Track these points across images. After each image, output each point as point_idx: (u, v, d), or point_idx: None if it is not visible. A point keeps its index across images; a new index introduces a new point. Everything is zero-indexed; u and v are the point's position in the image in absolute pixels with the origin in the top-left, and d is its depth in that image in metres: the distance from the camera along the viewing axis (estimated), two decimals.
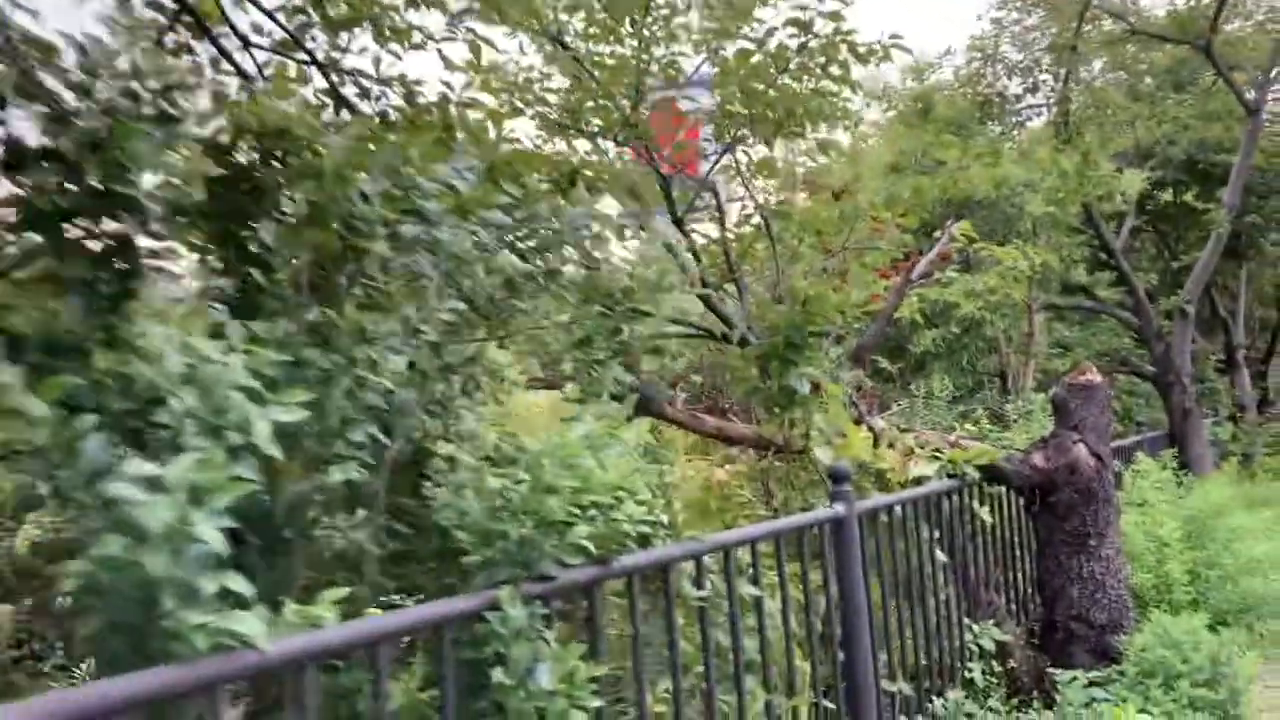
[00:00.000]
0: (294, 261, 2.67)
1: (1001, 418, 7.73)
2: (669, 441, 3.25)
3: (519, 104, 5.06)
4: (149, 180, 2.17)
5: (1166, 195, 16.51)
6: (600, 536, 2.82)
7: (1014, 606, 6.20)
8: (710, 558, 3.47)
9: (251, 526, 2.39)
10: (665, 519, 3.28)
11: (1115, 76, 16.14)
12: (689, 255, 6.09)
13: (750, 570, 3.77)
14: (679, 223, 5.97)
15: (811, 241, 6.93)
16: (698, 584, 3.31)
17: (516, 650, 2.45)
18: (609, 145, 5.64)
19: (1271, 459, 17.56)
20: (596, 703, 2.54)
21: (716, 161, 5.82)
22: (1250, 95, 12.21)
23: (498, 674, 2.41)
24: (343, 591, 2.11)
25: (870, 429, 5.19)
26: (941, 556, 5.32)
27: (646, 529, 3.16)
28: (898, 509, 4.92)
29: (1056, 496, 5.88)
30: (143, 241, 2.64)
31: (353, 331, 2.44)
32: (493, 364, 3.38)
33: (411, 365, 2.73)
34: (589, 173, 3.33)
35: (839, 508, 4.21)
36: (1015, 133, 11.49)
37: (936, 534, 5.40)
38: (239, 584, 1.95)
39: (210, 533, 1.87)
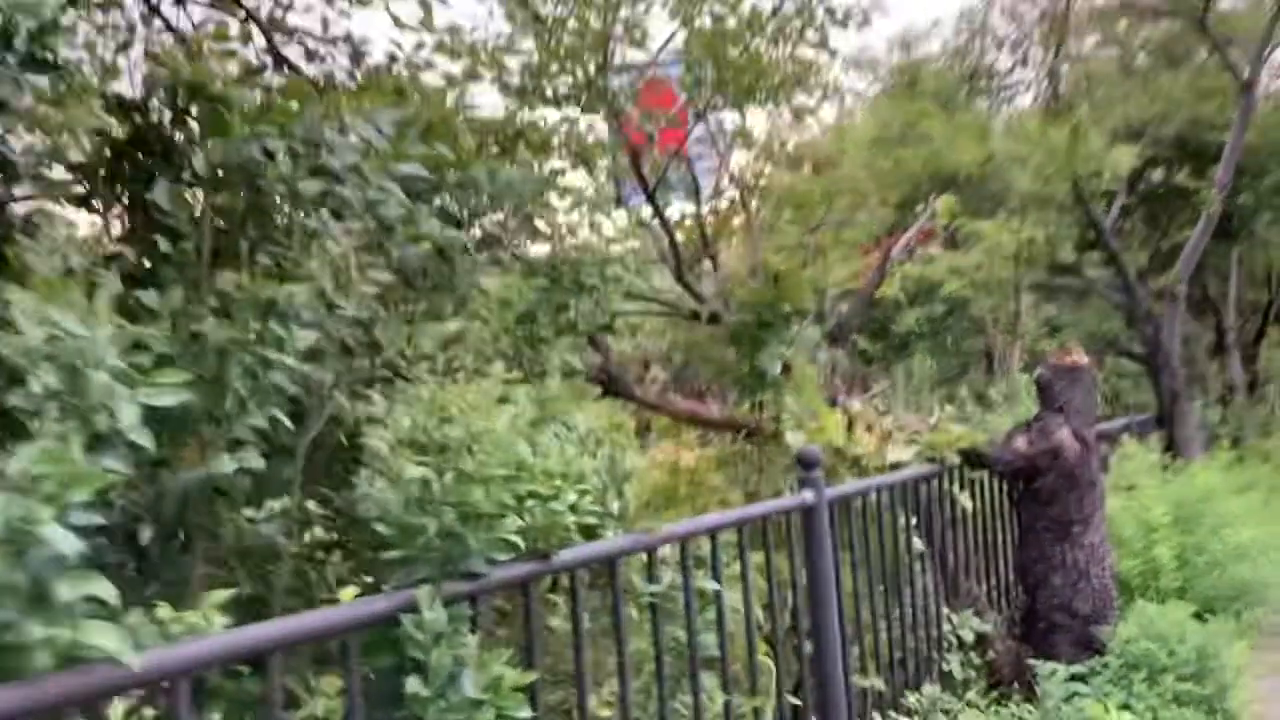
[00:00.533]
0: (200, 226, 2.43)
1: (986, 400, 7.52)
2: (621, 425, 3.01)
3: (480, 69, 4.80)
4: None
5: (1158, 174, 16.27)
6: (538, 529, 2.59)
7: (995, 596, 6.00)
8: (668, 549, 3.25)
9: (138, 522, 2.15)
10: (616, 508, 3.06)
11: (1108, 53, 15.85)
12: (662, 230, 5.86)
13: (713, 562, 3.56)
14: (651, 196, 5.72)
15: (792, 217, 6.70)
16: (650, 578, 3.09)
17: (436, 657, 2.22)
18: (575, 114, 5.38)
19: (1261, 442, 17.41)
20: (526, 713, 2.31)
21: (689, 132, 5.56)
22: (1245, 71, 11.94)
23: (413, 683, 2.18)
24: (226, 594, 1.88)
25: (845, 412, 4.96)
26: (919, 544, 5.11)
27: (593, 520, 2.94)
28: (872, 495, 4.71)
29: (1040, 482, 5.68)
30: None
31: (255, 303, 2.19)
32: (441, 341, 3.15)
33: (331, 341, 2.49)
34: (535, 136, 3.09)
35: (808, 494, 3.99)
36: (1004, 107, 11.26)
37: (914, 521, 5.19)
38: (103, 589, 1.72)
39: (59, 533, 1.63)
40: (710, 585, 3.32)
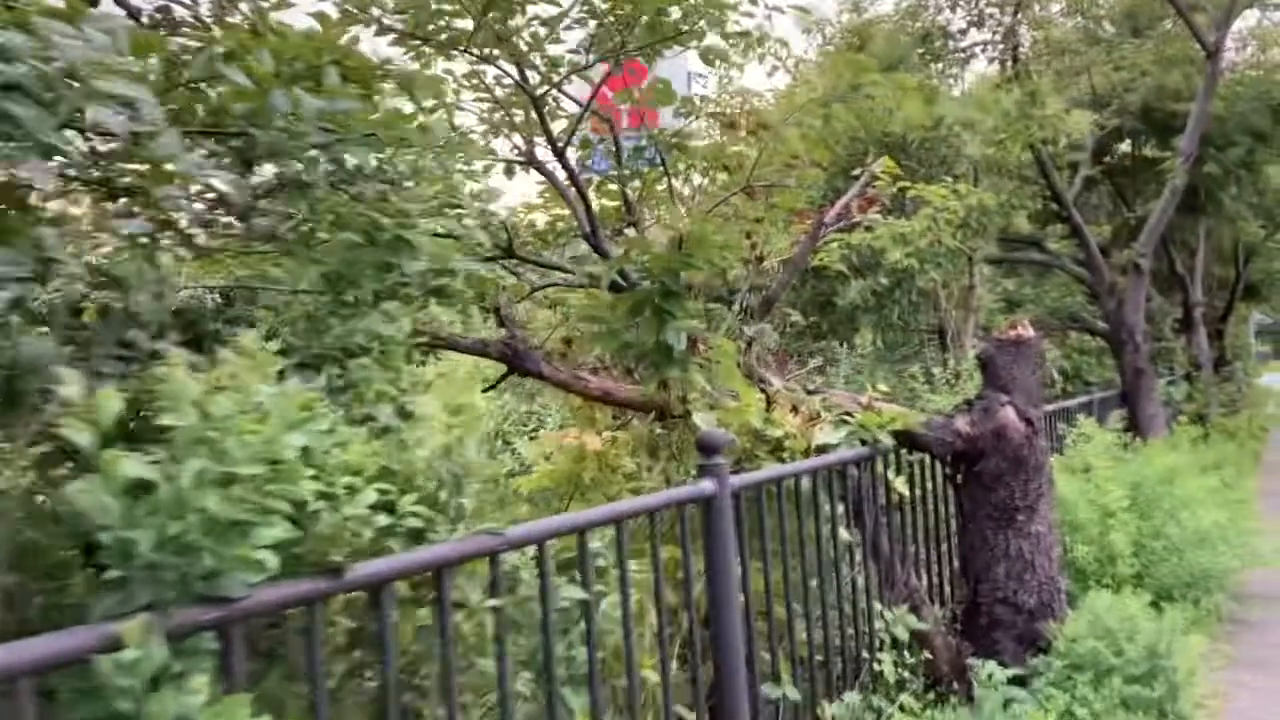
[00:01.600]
0: None
1: (932, 378, 7.10)
2: (463, 407, 2.53)
3: (352, 9, 4.28)
4: None
5: (1124, 147, 15.92)
6: (323, 538, 2.11)
7: (936, 588, 5.58)
8: (531, 551, 2.78)
9: None
10: (456, 507, 2.58)
11: (1073, 23, 15.44)
12: (576, 193, 5.37)
13: (581, 566, 3.10)
14: (561, 155, 5.22)
15: (725, 181, 6.23)
16: (495, 588, 2.62)
17: (154, 706, 1.74)
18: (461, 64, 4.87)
19: (1225, 419, 17.17)
20: None
21: (601, 83, 5.06)
22: (1210, 37, 11.54)
23: None
24: None
25: (763, 391, 4.50)
26: (846, 535, 4.67)
27: (418, 523, 2.46)
28: (790, 482, 4.26)
29: (982, 465, 5.24)
30: None
31: None
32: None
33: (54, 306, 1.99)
34: (357, 64, 2.58)
35: (707, 484, 3.53)
36: (957, 70, 10.76)
37: (842, 509, 4.76)
38: None
39: None
40: (575, 595, 2.85)
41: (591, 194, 5.90)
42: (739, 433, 4.46)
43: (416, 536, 2.47)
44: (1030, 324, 5.37)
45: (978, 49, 10.61)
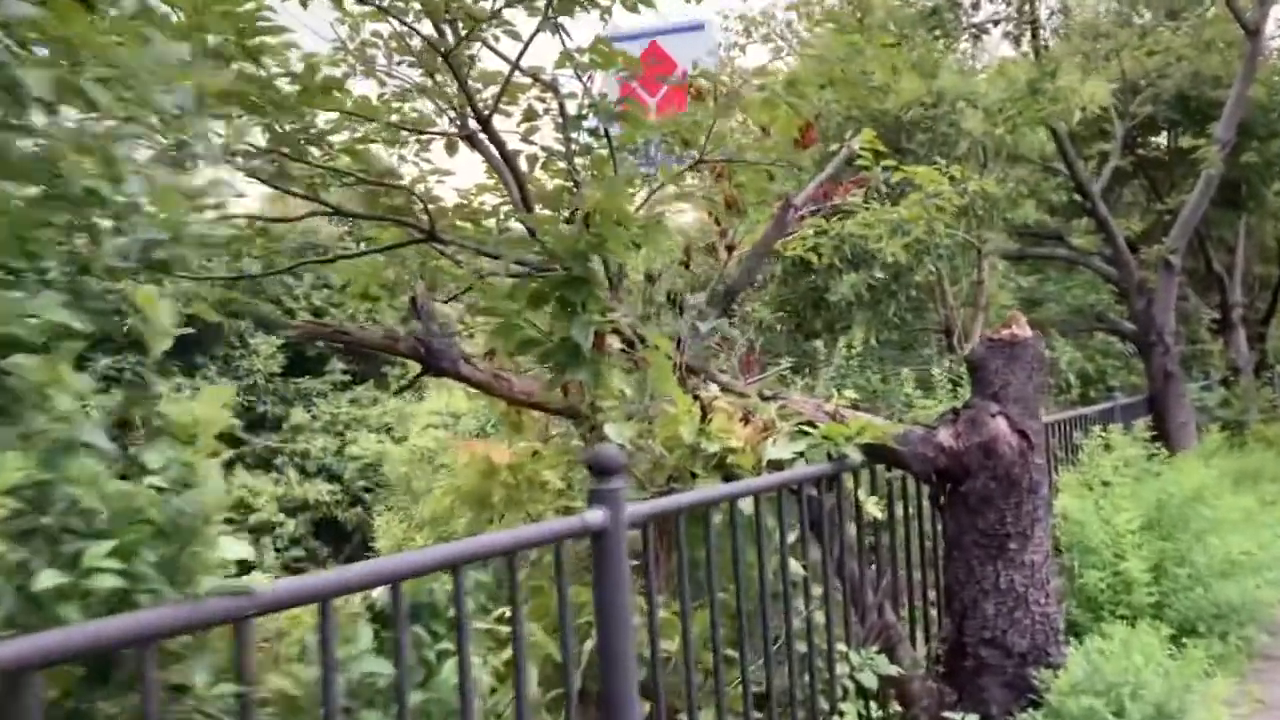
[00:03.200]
0: None
1: (929, 383, 6.39)
2: (197, 422, 1.88)
3: None
4: None
5: (1158, 139, 15.03)
6: None
7: (915, 625, 4.88)
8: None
9: None
10: (192, 555, 1.93)
11: (1106, 5, 14.58)
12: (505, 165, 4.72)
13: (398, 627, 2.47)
14: (486, 123, 4.57)
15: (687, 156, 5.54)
16: (241, 665, 1.97)
17: None
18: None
19: (1265, 425, 16.21)
20: None
21: (528, 44, 4.41)
22: (1250, 15, 10.68)
23: None
24: None
25: (697, 397, 3.82)
26: (797, 568, 3.99)
27: (114, 581, 1.82)
28: (730, 506, 3.57)
29: (968, 485, 4.53)
30: None
31: None
32: None
33: None
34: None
35: (595, 514, 2.86)
36: (968, 46, 9.96)
37: (797, 536, 4.08)
38: None
39: None
40: (375, 669, 2.20)
41: (541, 173, 5.26)
42: (671, 447, 3.79)
43: (118, 599, 1.83)
44: (1028, 321, 4.65)
45: (990, 25, 9.83)
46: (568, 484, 4.19)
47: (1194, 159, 11.11)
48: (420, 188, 5.19)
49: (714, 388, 3.84)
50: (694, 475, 3.90)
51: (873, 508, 4.42)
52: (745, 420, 4.24)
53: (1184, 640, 6.18)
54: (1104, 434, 7.73)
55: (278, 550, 17.31)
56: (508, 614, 2.81)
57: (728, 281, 4.98)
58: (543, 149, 5.26)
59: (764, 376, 4.96)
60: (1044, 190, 11.92)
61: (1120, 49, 12.10)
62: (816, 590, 4.24)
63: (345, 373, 20.30)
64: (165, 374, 18.74)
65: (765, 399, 4.43)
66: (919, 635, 5.00)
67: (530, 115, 5.29)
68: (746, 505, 3.81)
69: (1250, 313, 19.39)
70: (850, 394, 4.41)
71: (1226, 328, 16.70)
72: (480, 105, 4.55)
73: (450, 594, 2.50)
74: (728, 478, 4.03)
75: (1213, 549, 6.50)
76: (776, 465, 4.14)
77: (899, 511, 4.90)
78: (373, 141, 4.78)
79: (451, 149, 5.29)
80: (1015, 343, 4.62)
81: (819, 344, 7.40)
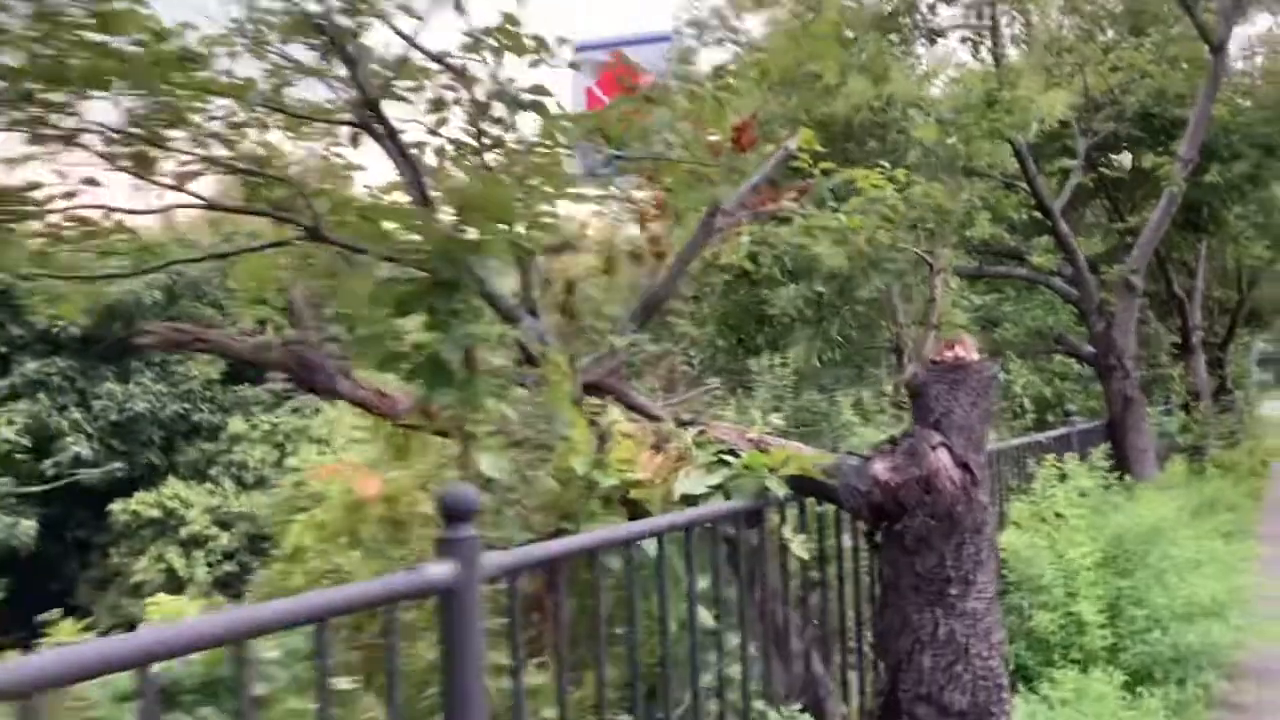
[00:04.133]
0: None
1: (875, 406, 5.95)
2: None
3: None
4: None
5: (1120, 158, 14.77)
6: None
7: (848, 679, 4.43)
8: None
9: None
10: None
11: (1071, 21, 14.30)
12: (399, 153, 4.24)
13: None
14: (374, 107, 4.09)
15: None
16: None
17: None
18: None
19: (1224, 452, 15.97)
20: None
21: (427, 15, 3.94)
22: (1215, 32, 10.40)
23: None
24: None
25: (594, 423, 3.33)
26: (708, 617, 3.51)
27: None
28: (625, 550, 3.09)
29: (905, 523, 4.06)
30: None
31: None
32: None
33: None
34: None
35: (441, 569, 2.37)
36: (923, 51, 9.56)
37: (707, 583, 3.60)
38: None
39: None
40: None
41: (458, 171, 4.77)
42: (565, 480, 3.31)
43: None
44: (983, 342, 4.22)
45: (948, 30, 9.45)
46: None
47: (1157, 177, 10.80)
48: (330, 183, 4.69)
49: (615, 412, 3.35)
50: (593, 515, 3.41)
51: (799, 547, 3.95)
52: (657, 449, 3.77)
53: (1139, 688, 5.78)
54: (1058, 463, 7.33)
55: (209, 565, 16.62)
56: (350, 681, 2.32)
57: (651, 294, 4.52)
58: (450, 141, 4.78)
59: (688, 397, 4.49)
60: (1004, 207, 11.56)
61: (1083, 64, 11.80)
62: (736, 640, 3.78)
63: (288, 380, 19.58)
64: (97, 379, 18.01)
65: (682, 424, 3.96)
66: (857, 686, 4.54)
67: (439, 105, 4.81)
68: (653, 547, 3.35)
69: (1210, 336, 19.24)
70: (777, 419, 3.93)
71: (1186, 352, 16.49)
72: (371, 90, 4.05)
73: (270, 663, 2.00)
74: (635, 515, 3.56)
75: (1172, 589, 6.10)
76: (691, 500, 3.68)
77: (835, 549, 4.44)
78: (257, 128, 4.28)
79: (356, 140, 4.80)
80: (960, 366, 4.18)
81: (760, 362, 6.94)
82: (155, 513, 16.98)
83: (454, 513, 2.43)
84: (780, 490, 3.85)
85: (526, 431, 3.37)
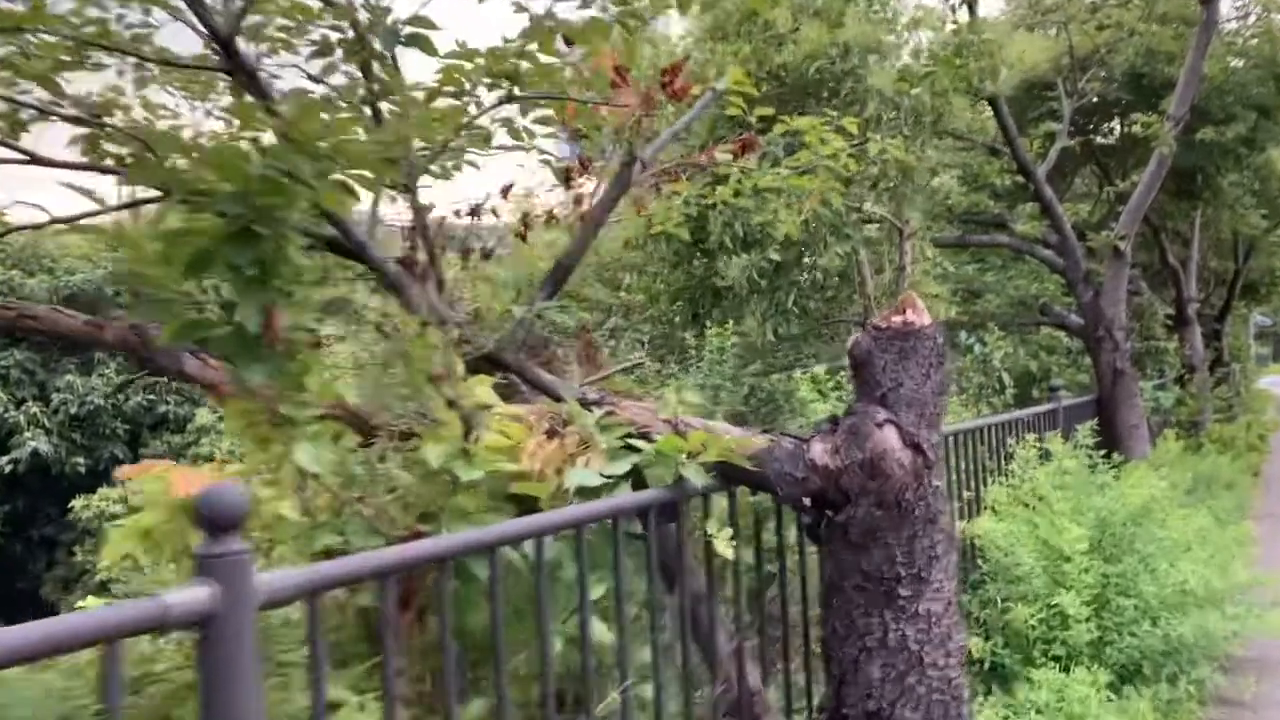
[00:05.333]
0: None
1: (819, 380, 5.41)
2: None
3: None
4: None
5: (1110, 124, 14.23)
6: None
7: (792, 693, 3.90)
8: None
9: None
10: None
11: None
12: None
13: None
14: (224, 44, 3.54)
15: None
16: None
17: None
18: None
19: (1221, 426, 15.46)
20: None
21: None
22: None
23: None
24: None
25: (457, 408, 2.78)
26: (601, 631, 2.98)
27: None
28: (493, 555, 2.55)
29: (848, 513, 3.53)
30: None
31: None
32: None
33: None
34: None
35: (197, 593, 1.83)
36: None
37: (606, 589, 3.07)
38: None
39: None
40: None
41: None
42: (422, 475, 2.76)
43: None
44: (923, 307, 3.67)
45: None
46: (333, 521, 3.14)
47: (1147, 138, 10.23)
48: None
49: (486, 391, 2.80)
50: (466, 514, 2.87)
51: (724, 545, 3.41)
52: (551, 435, 3.22)
53: (1127, 686, 5.28)
54: (1039, 442, 6.79)
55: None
56: None
57: (562, 259, 3.97)
58: (331, 88, 4.24)
59: (605, 374, 3.94)
60: (987, 174, 11.01)
61: (1068, 22, 11.22)
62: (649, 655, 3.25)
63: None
64: (57, 372, 17.45)
65: (586, 405, 3.42)
66: (806, 701, 4.02)
67: (326, 48, 4.26)
68: (511, 552, 2.83)
69: (1206, 308, 18.69)
70: (691, 395, 3.39)
71: (1181, 323, 15.95)
72: (220, 28, 3.49)
73: None
74: (527, 512, 3.03)
75: (1162, 576, 5.58)
76: (587, 493, 3.14)
77: (777, 544, 3.91)
78: (94, 69, 3.72)
79: (235, 92, 4.24)
80: (909, 332, 3.64)
81: (704, 336, 6.38)
82: (120, 509, 16.49)
83: (215, 522, 1.89)
84: (699, 479, 3.31)
85: (379, 416, 2.83)
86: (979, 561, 5.74)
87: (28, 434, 17.65)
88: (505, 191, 5.23)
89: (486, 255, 4.67)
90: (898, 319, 3.66)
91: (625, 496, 3.16)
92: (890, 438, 3.52)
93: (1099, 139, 14.25)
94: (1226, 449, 13.58)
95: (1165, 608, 5.39)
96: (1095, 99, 12.44)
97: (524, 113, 4.27)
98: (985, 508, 6.01)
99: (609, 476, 3.13)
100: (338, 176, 2.48)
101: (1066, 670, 5.14)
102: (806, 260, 6.14)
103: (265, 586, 1.93)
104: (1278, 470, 15.31)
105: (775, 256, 5.79)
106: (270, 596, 1.94)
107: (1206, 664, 5.53)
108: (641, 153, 3.85)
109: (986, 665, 5.35)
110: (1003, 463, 6.54)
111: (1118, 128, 14.44)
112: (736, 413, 5.79)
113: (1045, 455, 6.83)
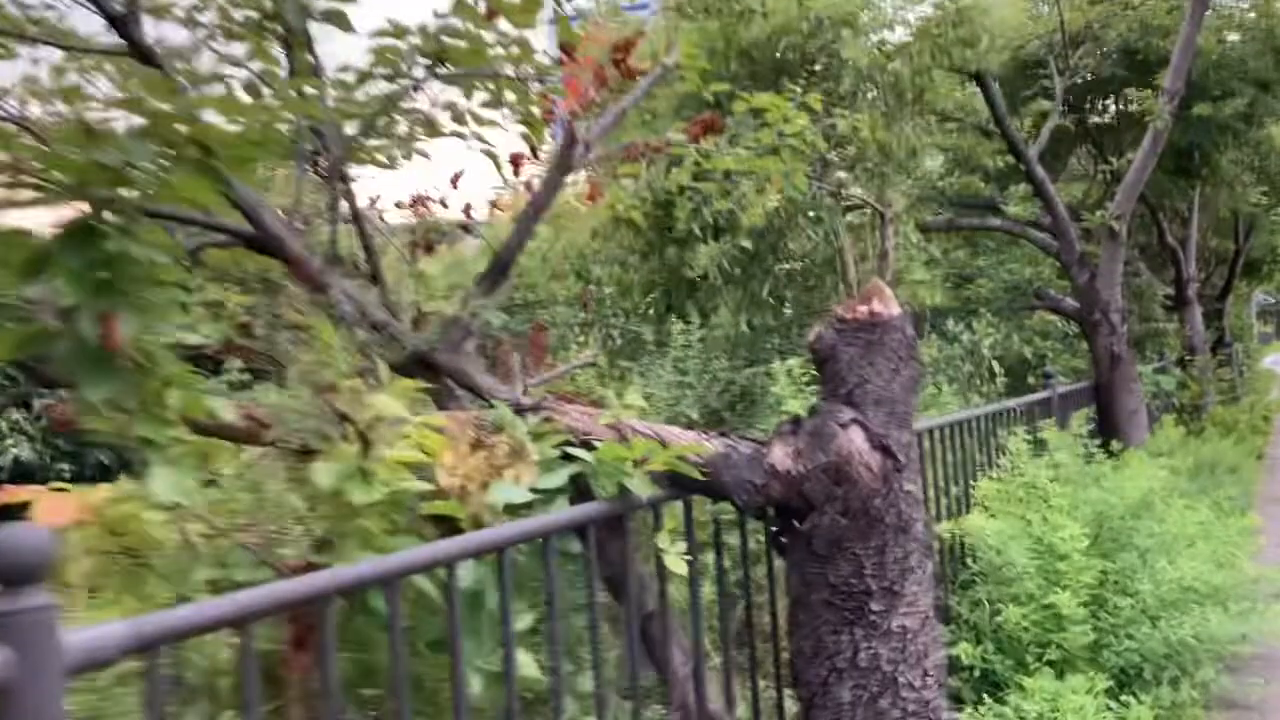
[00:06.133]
0: None
1: (793, 375, 5.10)
2: None
3: None
4: None
5: (1105, 102, 13.88)
6: None
7: (760, 713, 3.59)
8: None
9: None
10: None
11: None
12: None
13: None
14: (118, 22, 3.23)
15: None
16: None
17: None
18: None
19: (1224, 408, 15.14)
20: None
21: None
22: None
23: None
24: None
25: (344, 416, 2.47)
26: (528, 664, 2.68)
27: None
28: (389, 589, 2.24)
29: (812, 522, 3.23)
30: None
31: None
32: None
33: None
34: None
35: None
36: None
37: (535, 617, 2.76)
38: None
39: None
40: None
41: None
42: (312, 498, 2.46)
43: None
44: (891, 296, 3.36)
45: None
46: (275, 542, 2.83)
47: (1142, 114, 9.90)
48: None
49: (384, 402, 2.49)
50: (369, 539, 2.56)
51: (675, 560, 3.10)
52: (477, 445, 2.92)
53: (1126, 692, 4.96)
54: (1031, 432, 6.47)
55: None
56: None
57: (500, 249, 3.66)
58: (253, 73, 3.94)
59: (556, 375, 3.63)
60: (979, 155, 10.67)
61: None
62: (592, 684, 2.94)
63: (244, 371, 18.63)
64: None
65: (521, 411, 3.11)
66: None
67: (227, 21, 3.95)
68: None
69: (1206, 288, 18.35)
70: (635, 398, 3.08)
71: (1182, 304, 15.61)
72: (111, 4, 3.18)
73: None
74: (453, 533, 2.73)
75: (1161, 574, 5.27)
76: (516, 510, 2.83)
77: (739, 557, 3.61)
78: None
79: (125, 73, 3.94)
80: (876, 324, 3.33)
81: (670, 331, 6.07)
82: None
83: (9, 573, 1.58)
84: (644, 490, 3.00)
85: (274, 432, 2.52)
86: (968, 561, 5.44)
87: (9, 441, 17.38)
88: (454, 181, 4.93)
89: (429, 249, 4.36)
90: (863, 309, 3.35)
91: (560, 513, 2.85)
92: (856, 439, 3.21)
93: (1094, 118, 13.90)
94: (1229, 432, 13.25)
95: (1165, 607, 5.09)
96: (1089, 76, 12.09)
97: (467, 95, 3.97)
98: (975, 504, 5.70)
99: (540, 491, 2.81)
100: (209, 162, 2.16)
101: (1061, 675, 4.84)
102: (782, 247, 5.83)
103: (77, 647, 1.62)
104: None
105: (746, 244, 5.48)
106: (85, 658, 1.64)
107: (1210, 665, 5.23)
108: (584, 134, 3.53)
109: (977, 672, 5.05)
110: (993, 456, 6.23)
111: (1112, 106, 14.09)
112: (712, 410, 5.48)
113: (1039, 445, 6.53)
